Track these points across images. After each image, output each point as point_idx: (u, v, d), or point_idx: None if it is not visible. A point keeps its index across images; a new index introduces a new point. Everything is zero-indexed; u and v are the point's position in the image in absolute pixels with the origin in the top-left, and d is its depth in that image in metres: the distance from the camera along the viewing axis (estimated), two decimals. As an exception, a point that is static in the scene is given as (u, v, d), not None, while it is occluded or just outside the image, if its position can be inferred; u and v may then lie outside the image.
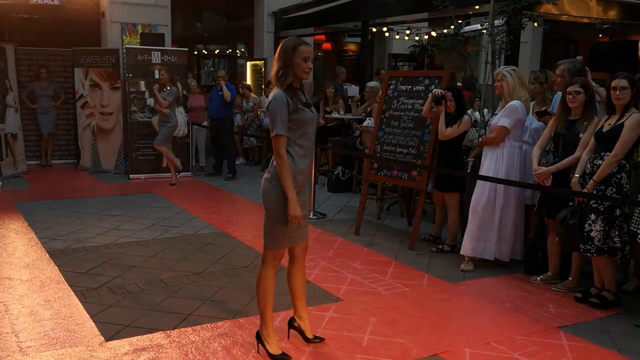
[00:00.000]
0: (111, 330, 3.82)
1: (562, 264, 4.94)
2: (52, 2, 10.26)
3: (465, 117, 5.63)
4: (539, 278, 5.01)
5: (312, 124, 3.51)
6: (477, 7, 7.88)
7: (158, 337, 3.76)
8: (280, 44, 3.39)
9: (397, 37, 13.81)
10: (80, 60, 10.06)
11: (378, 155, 6.33)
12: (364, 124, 8.07)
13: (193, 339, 3.74)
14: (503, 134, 5.13)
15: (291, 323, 3.79)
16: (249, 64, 13.22)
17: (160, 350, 3.58)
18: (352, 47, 16.75)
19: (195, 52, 17.06)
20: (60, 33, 11.13)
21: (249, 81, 12.64)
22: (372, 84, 8.90)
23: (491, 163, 5.20)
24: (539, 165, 4.77)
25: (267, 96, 10.97)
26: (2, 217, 6.72)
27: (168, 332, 3.83)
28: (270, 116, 3.37)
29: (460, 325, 4.11)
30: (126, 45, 10.09)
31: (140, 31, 10.63)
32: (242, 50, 17.64)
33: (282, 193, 3.34)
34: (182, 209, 7.39)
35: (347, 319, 4.12)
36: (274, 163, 3.38)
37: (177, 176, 9.20)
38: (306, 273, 4.99)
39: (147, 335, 3.77)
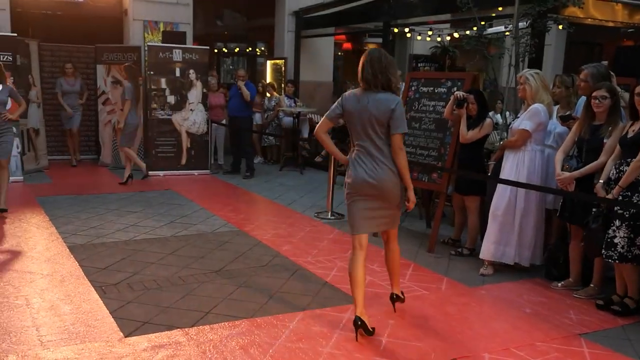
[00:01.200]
0: (130, 327, 3.84)
1: (584, 270, 4.88)
2: (76, -1, 10.37)
3: (487, 120, 5.58)
4: (560, 284, 4.95)
5: None
6: (500, 8, 7.82)
7: (176, 334, 3.77)
8: (383, 55, 3.85)
9: (418, 37, 13.75)
10: (103, 57, 10.15)
11: (398, 156, 6.28)
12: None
13: (211, 337, 3.75)
14: (524, 138, 5.07)
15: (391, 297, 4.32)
16: (269, 62, 13.24)
17: (179, 348, 3.59)
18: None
19: (215, 50, 17.11)
20: (83, 30, 11.23)
21: (268, 80, 12.65)
22: None
23: (512, 166, 5.15)
24: (562, 170, 4.72)
25: (287, 96, 11.01)
26: (24, 211, 6.80)
27: (186, 329, 3.84)
28: (401, 116, 3.76)
29: (480, 330, 4.07)
30: (148, 43, 10.15)
31: (162, 29, 10.69)
32: (262, 49, 17.66)
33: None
34: (200, 206, 7.42)
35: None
36: (398, 157, 3.79)
37: (131, 180, 8.72)
38: (323, 274, 5.02)
39: (166, 332, 3.79)
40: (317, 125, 4.12)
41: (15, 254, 5.26)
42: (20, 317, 3.95)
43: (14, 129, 6.84)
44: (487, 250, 5.23)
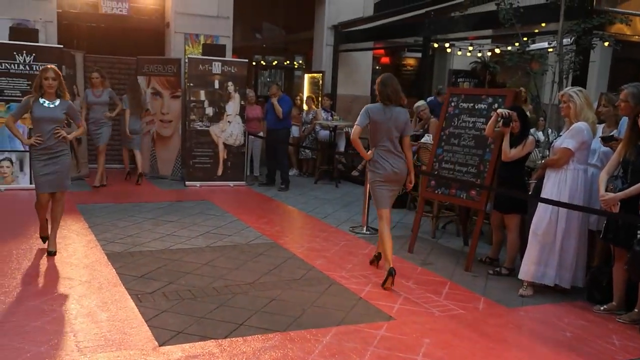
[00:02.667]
0: (165, 336, 3.85)
1: (628, 294, 4.71)
2: (120, 12, 10.61)
3: (530, 138, 5.47)
4: (602, 307, 4.79)
5: None
6: (544, 24, 7.70)
7: (210, 345, 3.77)
8: (394, 79, 5.28)
9: (458, 53, 13.64)
10: (144, 68, 10.34)
11: (436, 172, 6.22)
12: (422, 140, 7.97)
13: (244, 350, 3.73)
14: (567, 156, 4.96)
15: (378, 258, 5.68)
16: (306, 76, 13.31)
17: (212, 359, 3.58)
18: (410, 61, 16.66)
19: (254, 63, 17.30)
20: (126, 42, 11.50)
21: (305, 93, 12.70)
22: (420, 103, 8.88)
23: (554, 186, 5.03)
24: (606, 190, 4.58)
25: (324, 109, 11.03)
26: (64, 218, 6.88)
27: (219, 340, 3.84)
28: (409, 123, 5.37)
29: (518, 353, 3.96)
30: (188, 55, 10.31)
31: (202, 42, 10.85)
32: (300, 62, 17.79)
33: None
34: (235, 217, 7.45)
35: (399, 339, 4.03)
36: (408, 152, 5.31)
37: (104, 183, 9.15)
38: (358, 289, 4.97)
39: (199, 342, 3.79)
40: (352, 132, 5.28)
41: (55, 260, 5.36)
42: (59, 322, 4.01)
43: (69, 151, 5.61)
44: (527, 270, 5.10)
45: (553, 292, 5.14)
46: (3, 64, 8.46)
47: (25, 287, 4.65)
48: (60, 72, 5.47)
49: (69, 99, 5.59)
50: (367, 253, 6.14)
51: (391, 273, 4.98)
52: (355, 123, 5.26)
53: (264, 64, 18.78)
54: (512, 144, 5.46)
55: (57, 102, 5.40)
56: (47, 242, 5.61)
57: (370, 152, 5.29)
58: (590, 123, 4.99)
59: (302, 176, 11.30)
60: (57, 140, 5.38)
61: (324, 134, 10.88)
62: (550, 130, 6.43)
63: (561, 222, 4.98)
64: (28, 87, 8.53)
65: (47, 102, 5.36)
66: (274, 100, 9.61)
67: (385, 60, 16.61)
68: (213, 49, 10.11)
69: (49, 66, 5.43)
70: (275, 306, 4.53)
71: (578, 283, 5.15)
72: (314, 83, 12.82)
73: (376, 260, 5.71)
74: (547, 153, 5.90)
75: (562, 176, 5.00)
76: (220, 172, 9.82)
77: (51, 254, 5.43)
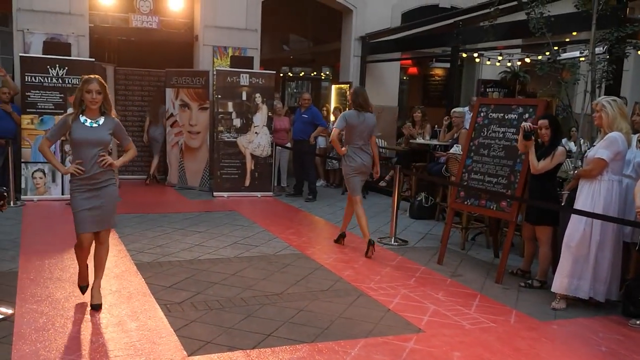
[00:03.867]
0: (193, 346, 3.86)
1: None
2: (150, 26, 10.76)
3: (560, 148, 5.37)
4: (638, 321, 4.66)
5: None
6: (575, 33, 7.58)
7: (238, 355, 3.76)
8: (364, 90, 6.67)
9: (487, 62, 13.51)
10: (172, 80, 10.47)
11: (465, 183, 6.15)
12: (451, 150, 7.90)
13: (272, 361, 3.71)
14: (601, 167, 4.85)
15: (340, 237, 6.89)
16: (334, 87, 13.33)
17: (240, 370, 3.57)
18: (438, 71, 16.57)
19: (281, 75, 17.41)
20: (156, 55, 11.66)
21: (333, 104, 12.72)
22: (458, 109, 8.73)
23: (587, 197, 4.93)
24: (642, 201, 4.47)
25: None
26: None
27: (248, 351, 3.82)
28: (376, 126, 6.68)
29: (551, 368, 3.86)
30: (217, 68, 10.42)
31: (230, 54, 10.95)
32: (327, 73, 17.83)
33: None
34: (262, 228, 7.46)
35: (428, 352, 3.97)
36: (374, 149, 6.59)
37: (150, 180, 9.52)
38: (386, 301, 4.92)
39: (227, 353, 3.78)
40: (332, 134, 6.55)
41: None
42: (90, 331, 4.04)
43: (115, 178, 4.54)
44: (560, 283, 4.99)
45: (587, 305, 5.02)
46: (37, 77, 8.65)
47: (56, 295, 4.71)
48: (105, 84, 4.40)
49: (115, 115, 4.51)
50: (395, 265, 6.08)
51: (371, 243, 6.26)
52: (334, 126, 6.62)
53: (291, 75, 18.90)
54: (542, 155, 5.37)
55: (102, 120, 4.33)
56: (88, 292, 4.56)
57: (344, 148, 6.52)
58: (624, 133, 4.88)
59: (329, 187, 11.29)
60: (102, 166, 4.30)
61: (351, 144, 10.84)
62: (582, 141, 6.31)
63: (595, 234, 4.87)
64: (60, 100, 8.74)
65: (89, 120, 4.29)
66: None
67: (412, 70, 16.56)
68: (241, 61, 10.19)
69: (92, 76, 4.33)
70: (303, 317, 4.50)
71: (612, 296, 5.02)
72: (341, 94, 12.83)
73: (341, 238, 6.87)
74: (580, 164, 5.78)
75: (596, 187, 4.90)
76: (247, 182, 9.86)
77: (96, 307, 4.38)
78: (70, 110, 4.71)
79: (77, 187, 4.30)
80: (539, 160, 5.37)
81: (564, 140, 6.12)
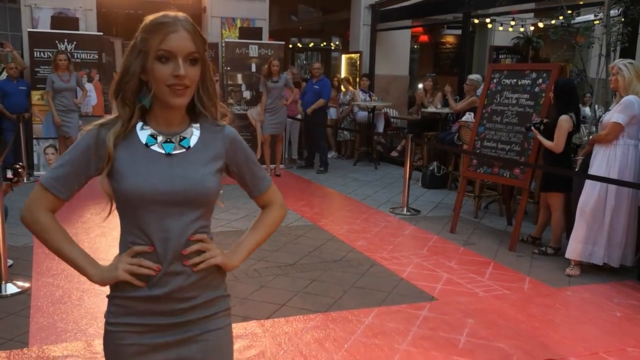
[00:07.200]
0: (207, 317, 3.89)
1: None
2: (158, -2, 10.65)
3: (562, 118, 5.20)
4: (653, 287, 4.64)
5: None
6: (588, -5, 7.41)
7: (252, 325, 3.79)
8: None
9: (500, 28, 13.26)
10: (182, 53, 10.38)
11: (478, 151, 6.09)
12: (463, 118, 7.82)
13: (286, 330, 3.74)
14: (616, 131, 4.77)
15: None
16: (344, 56, 13.19)
17: (255, 339, 3.60)
18: (450, 39, 16.32)
19: (290, 45, 17.23)
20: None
21: (343, 74, 12.60)
22: (472, 76, 8.61)
23: (602, 162, 4.86)
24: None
25: (362, 90, 10.92)
26: (103, 205, 7.05)
27: (262, 321, 3.85)
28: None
29: (565, 333, 3.86)
30: (225, 39, 10.33)
31: (239, 25, 10.85)
32: (337, 43, 17.64)
33: None
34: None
35: (442, 319, 3.98)
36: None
37: None
38: (399, 270, 4.92)
39: (242, 323, 3.81)
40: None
41: (100, 243, 5.47)
42: (106, 302, 4.08)
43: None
44: (574, 249, 4.96)
45: (601, 271, 5.00)
46: (46, 53, 8.62)
47: (72, 269, 4.75)
48: (203, 35, 1.85)
49: (230, 119, 1.78)
50: (408, 234, 6.07)
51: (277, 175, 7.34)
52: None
53: (300, 46, 18.72)
54: (552, 123, 5.27)
55: (193, 133, 1.66)
56: None
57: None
58: (640, 96, 4.79)
59: (341, 158, 11.25)
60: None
61: (362, 115, 10.78)
62: (597, 106, 6.20)
63: (610, 199, 4.82)
64: (70, 75, 8.69)
65: (160, 137, 1.62)
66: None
67: (423, 38, 16.31)
68: (249, 33, 10.10)
69: (171, 13, 1.68)
70: (316, 287, 4.52)
71: (627, 262, 4.99)
72: (351, 64, 12.70)
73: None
74: (594, 129, 5.69)
75: (611, 152, 4.83)
76: (258, 155, 9.82)
77: None
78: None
79: (123, 323, 1.68)
80: (551, 135, 5.27)
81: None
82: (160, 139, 1.60)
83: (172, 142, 1.60)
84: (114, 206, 1.67)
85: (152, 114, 1.61)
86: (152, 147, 1.59)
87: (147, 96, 1.57)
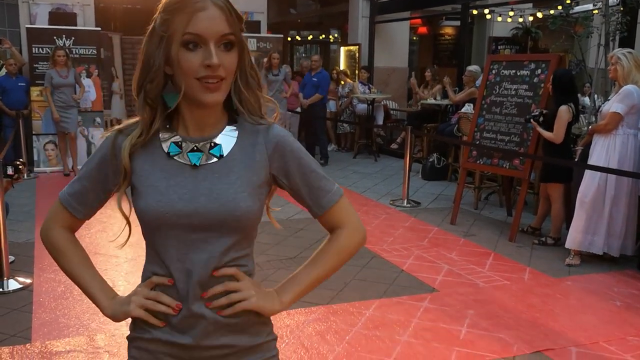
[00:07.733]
0: (209, 310, 3.90)
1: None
2: (156, -8, 10.64)
3: (561, 108, 5.20)
4: (653, 276, 4.65)
5: None
6: (588, -15, 7.38)
7: (254, 319, 3.80)
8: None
9: (499, 19, 13.21)
10: (181, 47, 10.36)
11: (477, 142, 6.09)
12: (463, 109, 7.81)
13: (287, 323, 3.75)
14: (615, 121, 4.78)
15: None
16: (342, 49, 13.16)
17: (256, 333, 3.61)
18: (448, 30, 16.27)
19: (289, 39, 17.20)
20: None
21: (342, 66, 12.58)
22: (472, 67, 8.60)
23: (602, 152, 4.87)
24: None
25: (361, 82, 10.91)
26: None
27: (263, 314, 3.86)
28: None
29: (566, 323, 3.87)
30: (224, 33, 10.28)
31: (237, 18, 10.82)
32: (336, 35, 17.60)
33: None
34: (275, 193, 7.46)
35: (443, 310, 4.00)
36: None
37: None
38: (400, 262, 4.94)
39: (243, 316, 3.82)
40: None
41: (101, 239, 5.48)
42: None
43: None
44: (574, 239, 4.97)
45: (601, 261, 5.02)
46: (44, 49, 8.61)
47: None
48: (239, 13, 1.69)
49: (277, 117, 1.44)
50: (408, 226, 6.09)
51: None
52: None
53: (299, 39, 18.68)
54: (552, 113, 5.27)
55: (228, 140, 1.32)
56: None
57: None
58: (640, 86, 4.79)
59: (341, 151, 11.25)
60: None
61: (361, 107, 10.77)
62: (596, 96, 6.20)
63: (610, 188, 4.83)
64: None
65: (190, 145, 1.31)
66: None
67: (422, 30, 16.27)
68: (248, 26, 10.05)
69: None
70: (317, 280, 4.53)
71: (627, 251, 5.00)
72: (350, 56, 12.67)
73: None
74: (594, 119, 5.70)
75: (610, 142, 4.84)
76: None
77: None
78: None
79: None
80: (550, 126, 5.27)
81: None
82: (185, 146, 1.28)
83: (200, 151, 1.28)
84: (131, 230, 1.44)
85: (180, 116, 1.30)
86: (175, 158, 1.28)
87: (173, 94, 1.26)
